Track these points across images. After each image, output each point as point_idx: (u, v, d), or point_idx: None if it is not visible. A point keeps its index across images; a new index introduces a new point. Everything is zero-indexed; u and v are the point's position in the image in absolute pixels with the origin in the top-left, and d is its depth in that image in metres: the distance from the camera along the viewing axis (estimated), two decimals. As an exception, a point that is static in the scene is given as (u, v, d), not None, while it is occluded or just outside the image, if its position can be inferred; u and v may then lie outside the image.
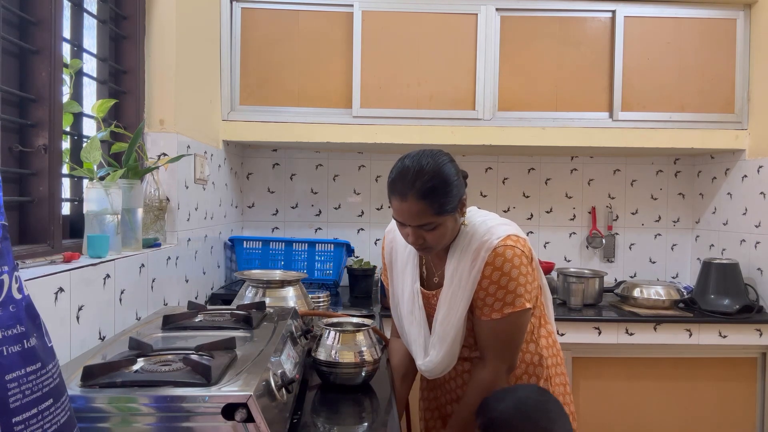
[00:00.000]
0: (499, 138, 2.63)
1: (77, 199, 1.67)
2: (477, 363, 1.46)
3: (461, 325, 1.42)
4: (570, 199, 3.11)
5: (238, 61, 2.62)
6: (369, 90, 2.64)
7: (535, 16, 2.66)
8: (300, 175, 3.05)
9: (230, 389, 0.90)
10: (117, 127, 1.79)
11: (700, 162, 3.06)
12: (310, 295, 1.85)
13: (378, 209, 3.07)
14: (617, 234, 3.11)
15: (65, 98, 1.52)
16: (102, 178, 1.60)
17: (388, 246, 1.63)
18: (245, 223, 3.04)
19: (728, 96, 2.71)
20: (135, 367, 1.00)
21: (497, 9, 2.64)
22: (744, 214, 2.72)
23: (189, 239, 2.11)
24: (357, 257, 2.87)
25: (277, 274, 1.85)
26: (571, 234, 3.12)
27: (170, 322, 1.34)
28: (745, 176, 2.72)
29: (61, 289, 1.23)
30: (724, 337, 2.43)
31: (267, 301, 1.66)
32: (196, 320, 1.38)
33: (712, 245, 2.94)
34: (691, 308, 2.55)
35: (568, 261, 3.11)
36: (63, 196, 1.53)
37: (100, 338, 1.40)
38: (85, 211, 1.51)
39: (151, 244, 1.80)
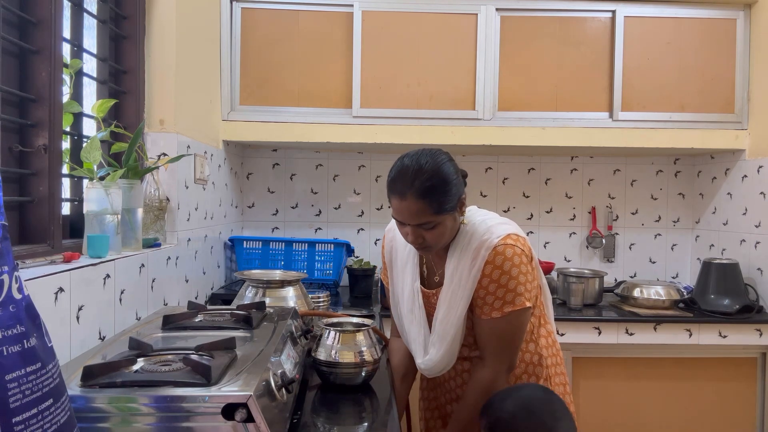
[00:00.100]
0: (499, 138, 2.63)
1: (77, 199, 1.67)
2: (477, 362, 1.46)
3: (461, 323, 1.42)
4: (570, 199, 3.11)
5: (238, 61, 2.62)
6: (369, 90, 2.64)
7: (535, 16, 2.66)
8: (300, 175, 3.05)
9: (230, 389, 0.90)
10: (117, 127, 1.79)
11: (700, 162, 3.06)
12: (310, 295, 1.85)
13: (378, 209, 3.07)
14: (617, 234, 3.11)
15: (65, 98, 1.52)
16: (102, 178, 1.60)
17: (388, 245, 1.63)
18: (245, 223, 3.04)
19: (728, 96, 2.71)
20: (135, 367, 1.00)
21: (497, 9, 2.64)
22: (744, 214, 2.72)
23: (189, 239, 2.11)
24: (357, 257, 2.87)
25: (277, 274, 1.85)
26: (571, 234, 3.12)
27: (170, 322, 1.34)
28: (745, 176, 2.72)
29: (61, 289, 1.23)
30: (724, 337, 2.43)
31: (267, 301, 1.65)
32: (196, 320, 1.38)
33: (712, 245, 2.94)
34: (691, 308, 2.55)
35: (568, 261, 3.11)
36: (63, 196, 1.53)
37: (100, 338, 1.40)
38: (85, 211, 1.51)
39: (151, 244, 1.80)
